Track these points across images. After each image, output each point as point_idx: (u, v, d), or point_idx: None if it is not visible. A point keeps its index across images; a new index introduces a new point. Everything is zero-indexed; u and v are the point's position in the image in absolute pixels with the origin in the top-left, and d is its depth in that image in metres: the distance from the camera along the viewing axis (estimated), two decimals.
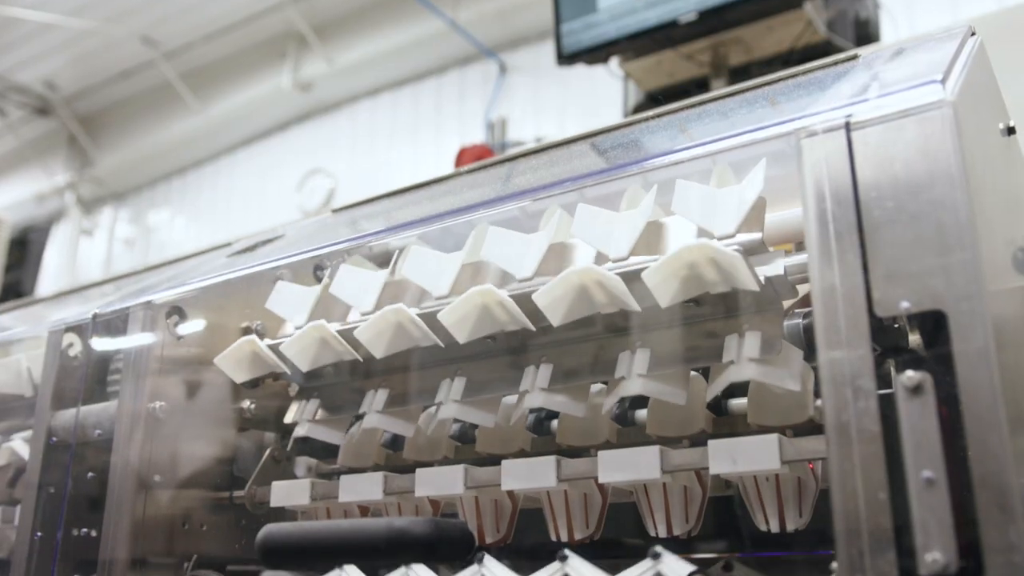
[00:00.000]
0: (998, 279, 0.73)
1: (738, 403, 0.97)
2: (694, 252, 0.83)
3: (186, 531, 1.17)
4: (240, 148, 5.98)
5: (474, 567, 0.92)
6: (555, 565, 0.88)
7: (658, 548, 0.85)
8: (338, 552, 0.79)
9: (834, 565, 0.67)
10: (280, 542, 0.82)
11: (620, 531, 1.21)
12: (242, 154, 5.99)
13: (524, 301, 0.94)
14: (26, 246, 6.51)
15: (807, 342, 0.89)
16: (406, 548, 0.75)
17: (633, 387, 0.89)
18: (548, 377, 0.98)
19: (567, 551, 0.88)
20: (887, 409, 0.67)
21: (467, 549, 0.81)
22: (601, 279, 0.88)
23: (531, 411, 1.05)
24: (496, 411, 1.03)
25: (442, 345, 1.00)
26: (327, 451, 1.23)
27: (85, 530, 1.16)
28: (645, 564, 0.85)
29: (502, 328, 0.98)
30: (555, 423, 1.06)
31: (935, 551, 0.62)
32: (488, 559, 0.92)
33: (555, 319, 0.91)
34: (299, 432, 1.14)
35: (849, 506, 0.66)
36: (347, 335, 1.05)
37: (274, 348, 1.14)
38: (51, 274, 6.52)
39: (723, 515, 1.14)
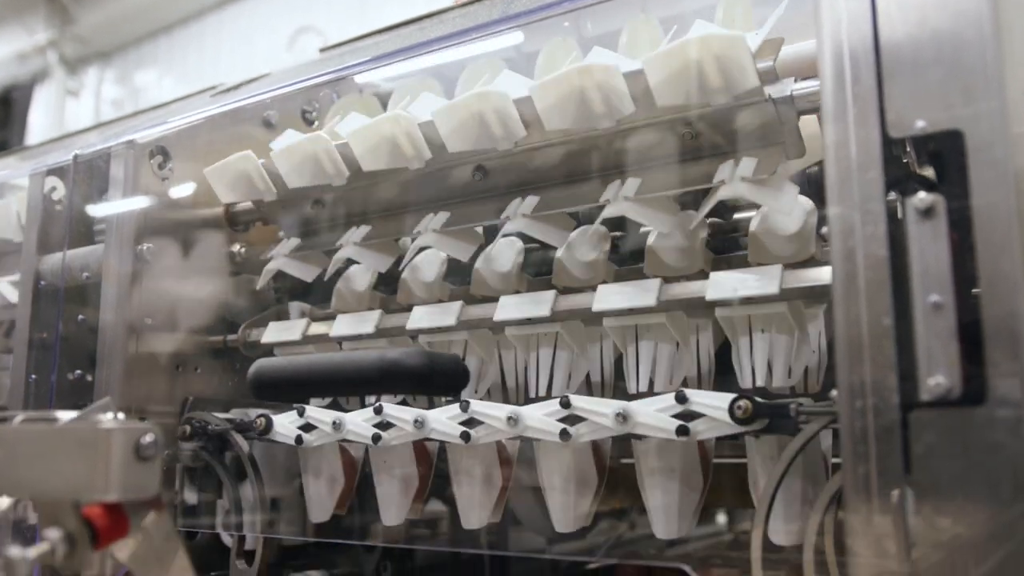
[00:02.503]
0: (1020, 104, 0.69)
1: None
2: (696, 46, 0.79)
3: (180, 374, 1.17)
4: (228, 4, 5.76)
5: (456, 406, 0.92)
6: (553, 404, 0.88)
7: (684, 389, 0.83)
8: (330, 384, 0.78)
9: (833, 393, 0.67)
10: (271, 375, 0.81)
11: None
12: (230, 11, 5.77)
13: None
14: (10, 105, 6.36)
15: (815, 193, 0.87)
16: (399, 379, 0.74)
17: (617, 208, 0.86)
18: (532, 205, 0.95)
19: (568, 395, 0.88)
20: (895, 234, 0.65)
21: (461, 382, 0.80)
22: (600, 78, 0.84)
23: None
24: (474, 243, 1.00)
25: (430, 156, 0.97)
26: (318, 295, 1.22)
27: (79, 372, 1.15)
28: (668, 399, 0.84)
29: (495, 145, 0.95)
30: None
31: (938, 375, 0.61)
32: (474, 402, 0.91)
33: (551, 123, 0.88)
34: (271, 266, 1.12)
35: (852, 332, 0.64)
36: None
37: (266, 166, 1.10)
38: (38, 136, 6.39)
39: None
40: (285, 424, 1.02)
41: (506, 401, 0.99)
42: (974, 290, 0.62)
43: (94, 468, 0.56)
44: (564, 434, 0.86)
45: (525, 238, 1.06)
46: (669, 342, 0.91)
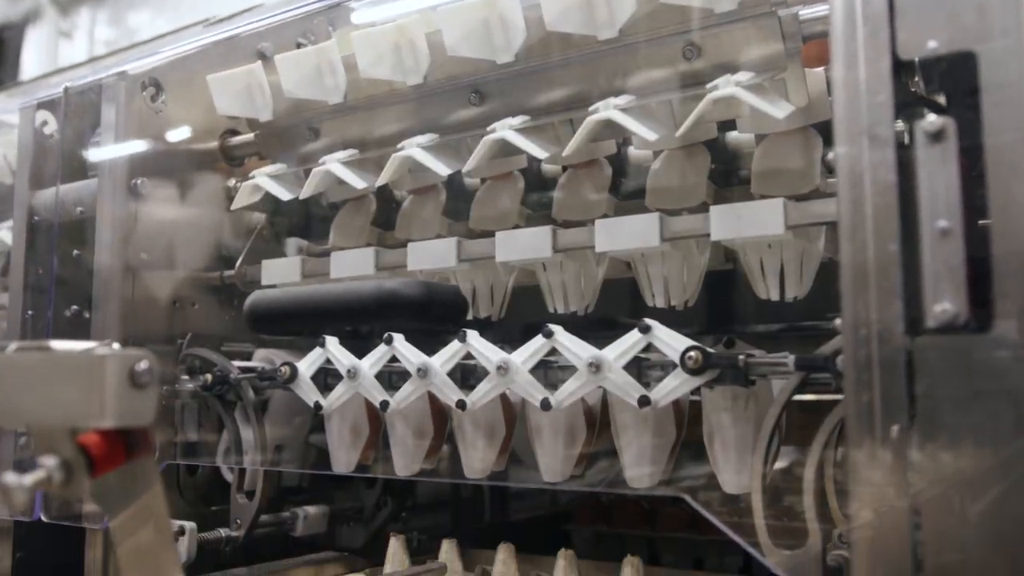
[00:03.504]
0: None
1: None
2: None
3: (178, 310, 1.16)
4: None
5: (457, 344, 0.91)
6: (539, 339, 0.88)
7: (648, 321, 0.83)
8: (327, 315, 0.77)
9: (838, 321, 0.66)
10: (268, 307, 0.80)
11: (618, 310, 1.20)
12: None
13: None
14: (2, 46, 6.26)
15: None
16: (397, 309, 0.73)
17: (604, 115, 0.84)
18: (522, 120, 0.93)
19: (551, 326, 0.87)
20: (904, 161, 0.64)
21: (460, 313, 0.79)
22: None
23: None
24: (462, 159, 0.99)
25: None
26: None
27: (76, 308, 1.14)
28: (633, 336, 0.84)
29: (495, 58, 0.93)
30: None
31: (945, 302, 0.60)
32: (471, 335, 0.91)
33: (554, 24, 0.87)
34: (249, 183, 1.10)
35: (858, 259, 0.63)
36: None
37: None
38: (31, 76, 6.31)
39: (721, 292, 1.13)
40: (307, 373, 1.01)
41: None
42: (981, 221, 0.61)
43: (89, 395, 0.55)
44: (545, 403, 0.86)
45: (528, 177, 1.05)
46: (678, 261, 0.91)
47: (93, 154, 1.18)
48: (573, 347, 0.85)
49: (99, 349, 0.56)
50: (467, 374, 0.92)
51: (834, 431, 0.77)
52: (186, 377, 1.14)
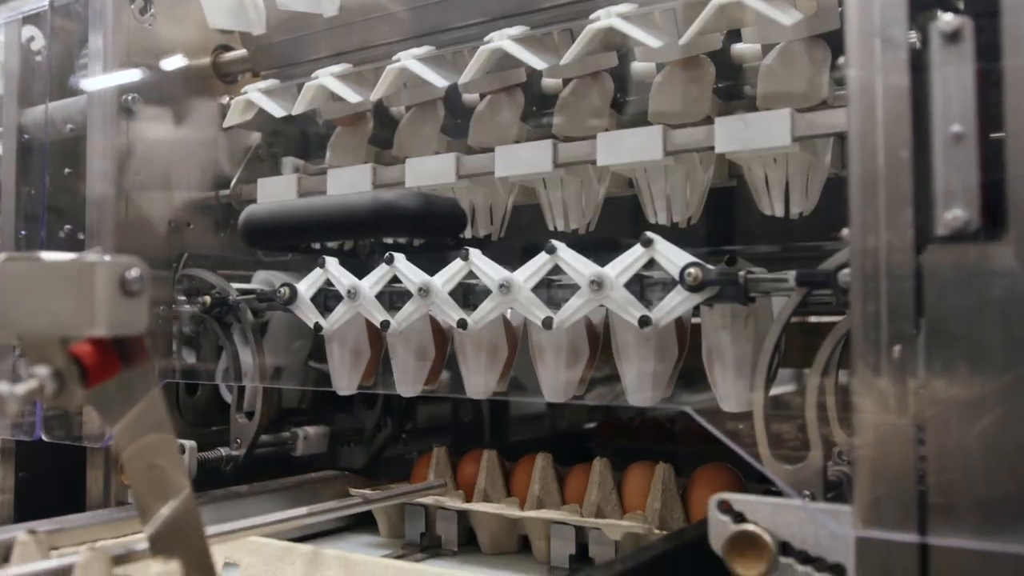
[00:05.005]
0: None
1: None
2: None
3: (173, 230, 1.14)
4: None
5: (459, 262, 0.90)
6: (543, 256, 0.86)
7: (649, 234, 0.82)
8: (324, 227, 0.76)
9: (845, 232, 0.64)
10: (263, 220, 0.78)
11: (618, 230, 1.18)
12: None
13: None
14: None
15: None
16: (394, 221, 0.71)
17: (605, 23, 0.81)
18: (521, 29, 0.90)
19: (554, 242, 0.86)
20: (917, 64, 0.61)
21: (458, 226, 0.77)
22: None
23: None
24: (460, 72, 0.96)
25: None
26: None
27: (70, 227, 1.13)
28: (636, 251, 0.82)
29: None
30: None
31: (956, 209, 0.58)
32: (474, 253, 0.89)
33: None
34: (241, 99, 1.07)
35: (867, 167, 0.62)
36: None
37: None
38: None
39: (725, 210, 1.12)
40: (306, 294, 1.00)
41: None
42: (994, 134, 0.59)
43: (79, 303, 0.54)
44: (547, 322, 0.85)
45: (529, 96, 1.02)
46: (681, 176, 0.89)
47: (81, 70, 1.15)
48: (576, 264, 0.84)
49: (89, 257, 0.55)
50: (468, 294, 0.92)
51: (838, 346, 0.76)
52: (183, 298, 1.13)
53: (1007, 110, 0.58)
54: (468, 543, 1.05)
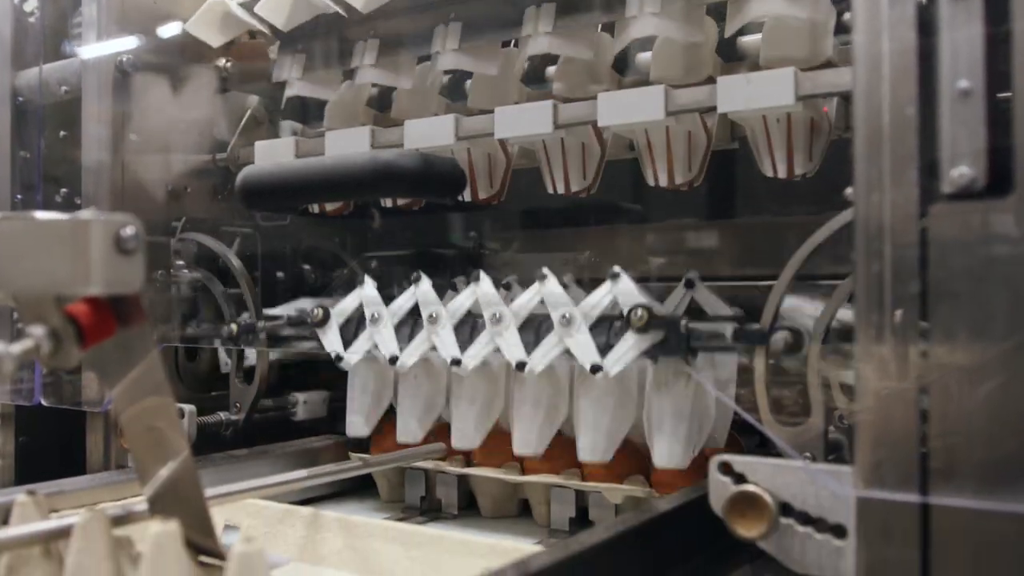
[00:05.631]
0: None
1: (751, 41, 0.90)
2: None
3: (170, 193, 1.13)
4: None
5: (472, 287, 0.90)
6: (536, 287, 0.87)
7: (616, 268, 0.82)
8: (322, 188, 0.75)
9: (849, 191, 0.64)
10: (261, 182, 0.77)
11: (619, 194, 1.18)
12: None
13: None
14: None
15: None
16: (393, 181, 0.70)
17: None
18: (551, 19, 0.89)
19: (545, 269, 0.86)
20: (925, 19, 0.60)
21: (457, 186, 0.76)
22: None
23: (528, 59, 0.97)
24: (497, 59, 0.95)
25: None
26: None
27: (66, 191, 1.12)
28: (604, 288, 0.83)
29: None
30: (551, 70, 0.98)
31: (963, 166, 0.58)
32: (483, 280, 0.90)
33: None
34: (290, 92, 1.07)
35: (872, 125, 0.61)
36: None
37: (247, 7, 1.04)
38: None
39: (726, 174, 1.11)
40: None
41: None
42: (1001, 94, 0.58)
43: (74, 261, 0.54)
44: (520, 366, 0.85)
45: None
46: (682, 137, 0.88)
47: (75, 30, 1.13)
48: (556, 297, 0.84)
49: (83, 215, 0.54)
50: (474, 329, 0.91)
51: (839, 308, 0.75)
52: (181, 263, 1.12)
53: (1015, 68, 0.57)
54: (469, 507, 1.05)
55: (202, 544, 0.65)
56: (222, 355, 1.15)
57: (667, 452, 0.83)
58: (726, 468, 0.66)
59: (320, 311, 0.98)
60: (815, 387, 0.75)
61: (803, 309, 0.78)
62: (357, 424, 1.01)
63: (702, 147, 0.90)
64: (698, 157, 0.90)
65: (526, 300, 0.87)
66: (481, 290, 0.89)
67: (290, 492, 0.93)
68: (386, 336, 0.93)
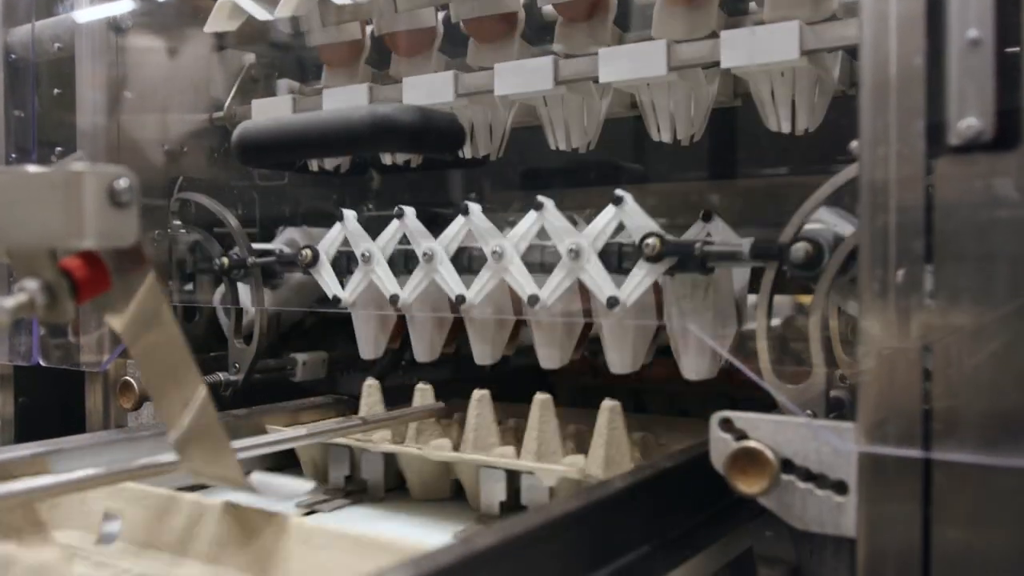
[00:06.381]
0: None
1: None
2: None
3: (167, 153, 1.12)
4: None
5: (460, 219, 0.89)
6: (532, 215, 0.86)
7: (620, 192, 0.82)
8: (319, 143, 0.74)
9: (854, 144, 0.63)
10: (256, 137, 0.76)
11: (620, 152, 1.17)
12: None
13: None
14: None
15: None
16: (391, 135, 0.69)
17: None
18: None
19: (541, 198, 0.85)
20: None
21: (456, 141, 0.75)
22: None
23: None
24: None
25: None
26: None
27: (60, 149, 1.11)
28: (608, 212, 0.82)
29: None
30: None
31: (970, 117, 0.57)
32: (474, 210, 0.88)
33: None
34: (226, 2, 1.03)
35: (879, 76, 0.60)
36: None
37: None
38: None
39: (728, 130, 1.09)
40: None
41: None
42: (1009, 49, 0.57)
43: (66, 214, 0.53)
44: (532, 299, 0.85)
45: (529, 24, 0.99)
46: (685, 93, 0.87)
47: None
48: (558, 228, 0.84)
49: (76, 166, 0.53)
50: (471, 261, 0.91)
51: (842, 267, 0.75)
52: (179, 223, 1.12)
53: None
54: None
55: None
56: (221, 316, 1.14)
57: (695, 365, 0.83)
58: (727, 425, 0.66)
59: (309, 252, 0.98)
60: (816, 343, 0.74)
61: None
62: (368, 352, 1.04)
63: (705, 103, 0.89)
64: (701, 113, 0.89)
65: (524, 230, 0.86)
66: (475, 223, 0.88)
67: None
68: (382, 275, 0.94)
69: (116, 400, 1.06)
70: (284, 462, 1.00)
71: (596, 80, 0.87)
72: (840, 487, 0.62)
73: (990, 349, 0.56)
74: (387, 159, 1.08)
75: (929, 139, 0.58)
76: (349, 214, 0.97)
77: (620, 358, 0.87)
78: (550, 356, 0.91)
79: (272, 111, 1.05)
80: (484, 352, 0.96)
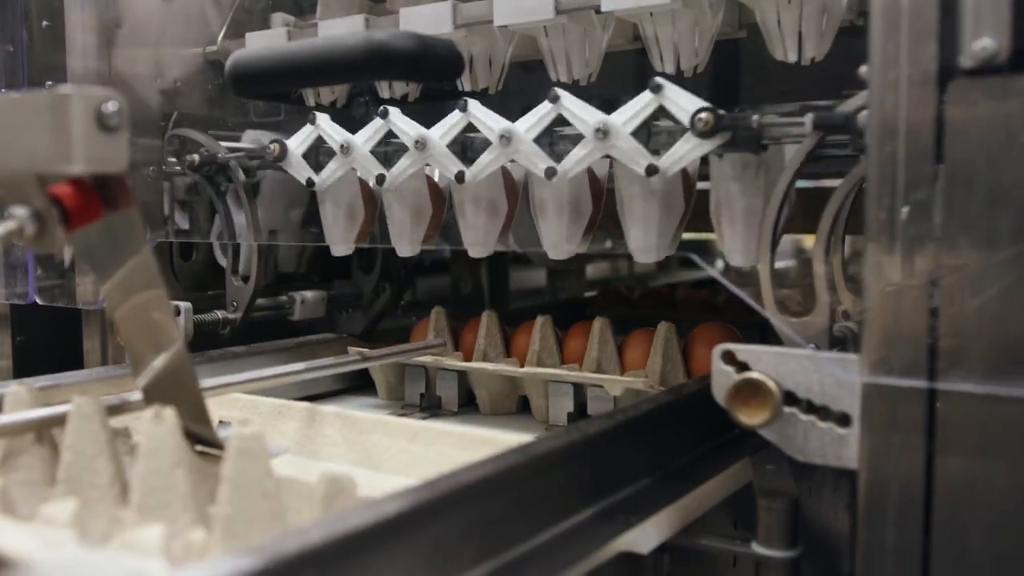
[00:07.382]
0: None
1: None
2: None
3: (159, 87, 1.10)
4: None
5: (456, 113, 0.87)
6: (546, 105, 0.83)
7: (659, 79, 0.78)
8: (313, 71, 0.72)
9: (863, 68, 0.61)
10: (249, 66, 0.74)
11: (621, 86, 1.14)
12: None
13: None
14: None
15: None
16: (387, 63, 0.67)
17: None
18: None
19: (557, 90, 0.82)
20: None
21: (455, 69, 0.73)
22: None
23: None
24: None
25: None
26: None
27: (50, 84, 1.08)
28: (644, 97, 0.79)
29: None
30: None
31: (985, 38, 0.55)
32: (473, 104, 0.86)
33: None
34: None
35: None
36: None
37: None
38: None
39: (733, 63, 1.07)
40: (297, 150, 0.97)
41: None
42: None
43: (54, 138, 0.52)
44: (550, 171, 0.81)
45: None
46: (689, 22, 0.85)
47: None
48: (580, 112, 0.80)
49: (63, 88, 0.52)
50: (467, 148, 0.88)
51: (848, 199, 0.73)
52: (173, 159, 1.10)
53: None
54: (468, 404, 1.05)
55: (199, 433, 0.65)
56: (218, 253, 1.13)
57: (741, 249, 0.80)
58: (730, 357, 0.65)
59: (276, 146, 0.97)
60: (820, 278, 0.73)
61: None
62: (338, 244, 1.02)
63: (709, 32, 0.87)
64: (705, 43, 0.87)
65: (536, 120, 0.82)
66: (474, 115, 0.85)
67: (286, 388, 0.93)
68: (364, 160, 0.92)
69: (113, 338, 1.06)
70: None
71: (598, 10, 0.84)
72: (843, 419, 0.62)
73: (1001, 282, 0.55)
74: (384, 92, 1.06)
75: (941, 63, 0.57)
76: (322, 116, 0.95)
77: (644, 241, 0.83)
78: (557, 247, 0.88)
79: (266, 44, 1.03)
80: (477, 241, 0.93)
